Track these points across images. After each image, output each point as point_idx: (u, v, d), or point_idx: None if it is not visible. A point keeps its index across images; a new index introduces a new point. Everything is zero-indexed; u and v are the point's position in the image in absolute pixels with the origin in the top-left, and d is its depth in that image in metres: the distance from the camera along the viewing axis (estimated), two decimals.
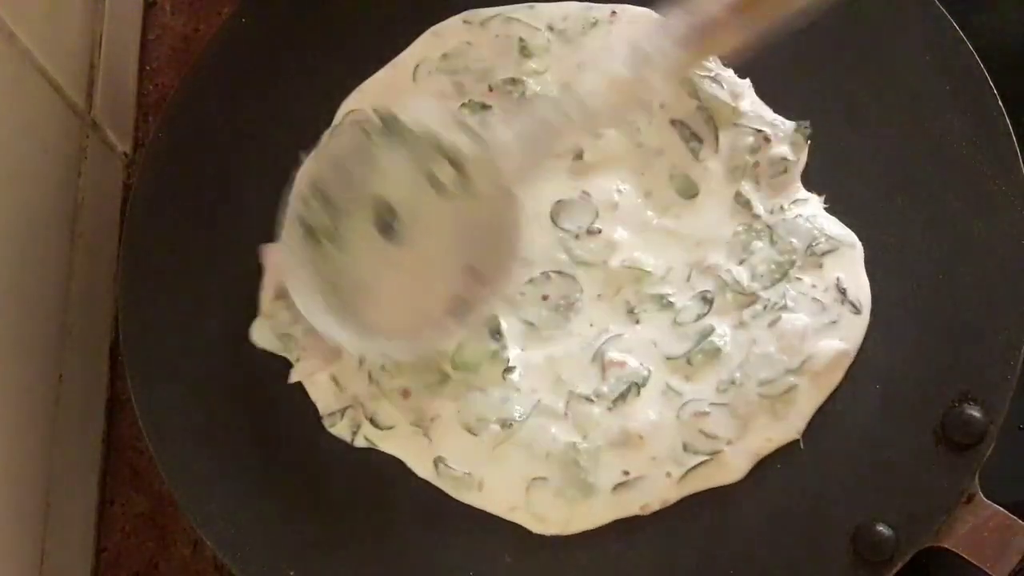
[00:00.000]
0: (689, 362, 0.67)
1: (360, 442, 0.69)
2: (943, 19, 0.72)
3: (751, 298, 0.68)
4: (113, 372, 0.86)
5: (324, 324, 0.65)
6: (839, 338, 0.67)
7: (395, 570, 0.67)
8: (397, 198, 0.65)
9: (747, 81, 0.72)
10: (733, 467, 0.65)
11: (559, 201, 0.72)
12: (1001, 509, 0.63)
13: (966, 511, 0.63)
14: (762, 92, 0.73)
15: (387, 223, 0.65)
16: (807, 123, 0.71)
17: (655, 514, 0.66)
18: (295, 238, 0.66)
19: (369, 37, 0.78)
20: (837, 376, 0.66)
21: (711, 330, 0.68)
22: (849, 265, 0.68)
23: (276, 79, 0.79)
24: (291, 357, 0.72)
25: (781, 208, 0.70)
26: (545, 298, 0.70)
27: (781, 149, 0.71)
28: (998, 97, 0.69)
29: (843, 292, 0.67)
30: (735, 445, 0.65)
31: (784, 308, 0.67)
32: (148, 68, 0.94)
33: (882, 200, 0.70)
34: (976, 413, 0.63)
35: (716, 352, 0.67)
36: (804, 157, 0.71)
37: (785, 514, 0.65)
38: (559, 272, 0.70)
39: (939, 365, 0.66)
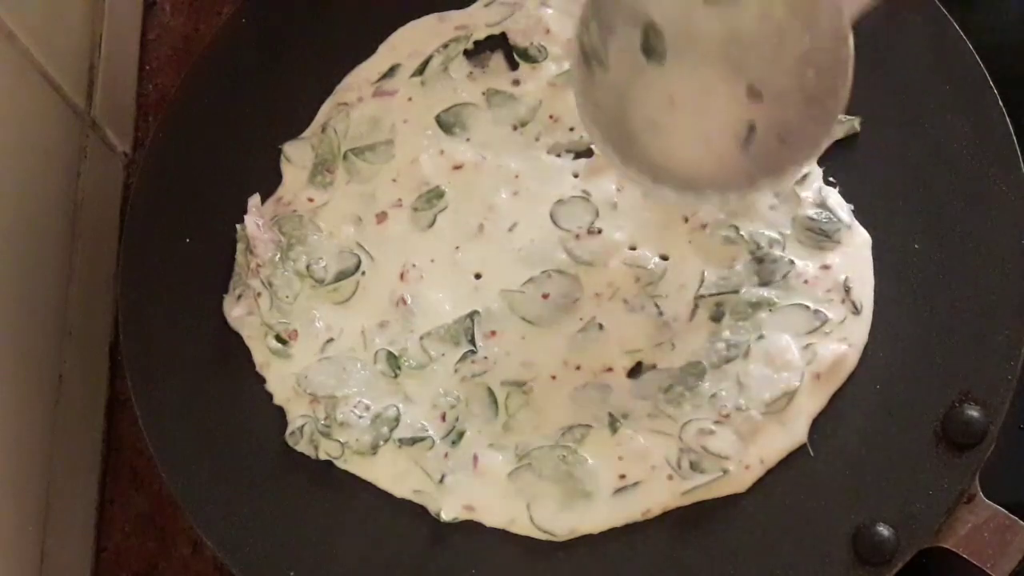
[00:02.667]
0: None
1: (324, 456, 0.69)
2: (943, 19, 0.72)
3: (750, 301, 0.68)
4: (113, 372, 0.86)
5: (605, 152, 0.63)
6: (841, 339, 0.67)
7: (395, 571, 0.67)
8: (663, 14, 0.62)
9: None
10: (740, 481, 0.65)
11: (559, 201, 0.72)
12: (1001, 509, 0.63)
13: (966, 511, 0.63)
14: None
15: (652, 46, 0.63)
16: (857, 119, 0.71)
17: (656, 517, 0.65)
18: (573, 64, 0.63)
19: (370, 37, 0.78)
20: (841, 378, 0.66)
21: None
22: (856, 259, 0.68)
23: (276, 79, 0.79)
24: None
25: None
26: (545, 296, 0.70)
27: None
28: (998, 97, 0.69)
29: (847, 291, 0.67)
30: (742, 461, 0.65)
31: (761, 336, 0.67)
32: (148, 68, 0.94)
33: (882, 200, 0.70)
34: (976, 413, 0.63)
35: (702, 372, 0.67)
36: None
37: (785, 514, 0.64)
38: (560, 271, 0.71)
39: (939, 365, 0.66)
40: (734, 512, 0.65)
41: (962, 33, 0.71)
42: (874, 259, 0.68)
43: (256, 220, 0.74)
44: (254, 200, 0.75)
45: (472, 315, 0.70)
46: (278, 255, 0.73)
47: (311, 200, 0.75)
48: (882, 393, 0.66)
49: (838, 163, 0.71)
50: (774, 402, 0.65)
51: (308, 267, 0.73)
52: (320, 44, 0.79)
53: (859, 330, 0.67)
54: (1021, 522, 0.62)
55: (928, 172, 0.70)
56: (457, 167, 0.74)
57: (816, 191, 0.70)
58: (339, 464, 0.69)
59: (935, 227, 0.68)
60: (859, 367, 0.67)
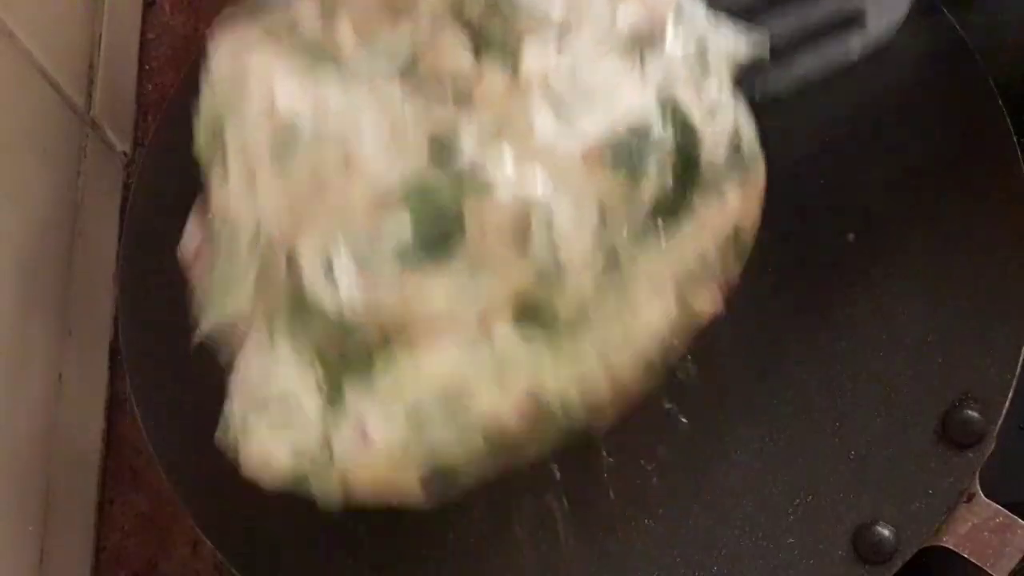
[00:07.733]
0: None
1: None
2: (943, 19, 0.72)
3: None
4: (113, 372, 0.86)
5: None
6: None
7: (393, 570, 0.67)
8: None
9: None
10: None
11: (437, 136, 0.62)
12: (1001, 509, 0.63)
13: (966, 511, 0.63)
14: None
15: None
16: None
17: (654, 515, 0.65)
18: None
19: None
20: None
21: None
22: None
23: None
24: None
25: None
26: (423, 235, 0.60)
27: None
28: (998, 97, 0.69)
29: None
30: None
31: None
32: (148, 68, 0.94)
33: (882, 200, 0.70)
34: (976, 413, 0.63)
35: None
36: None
37: (785, 514, 0.65)
38: (439, 206, 0.61)
39: (939, 365, 0.66)
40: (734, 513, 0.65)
41: (962, 33, 0.71)
42: (875, 260, 0.68)
43: None
44: None
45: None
46: None
47: None
48: (882, 393, 0.66)
49: (838, 163, 0.71)
50: None
51: None
52: None
53: None
54: (1021, 522, 0.62)
55: (928, 172, 0.70)
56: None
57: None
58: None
59: (935, 227, 0.69)
60: (859, 366, 0.66)
